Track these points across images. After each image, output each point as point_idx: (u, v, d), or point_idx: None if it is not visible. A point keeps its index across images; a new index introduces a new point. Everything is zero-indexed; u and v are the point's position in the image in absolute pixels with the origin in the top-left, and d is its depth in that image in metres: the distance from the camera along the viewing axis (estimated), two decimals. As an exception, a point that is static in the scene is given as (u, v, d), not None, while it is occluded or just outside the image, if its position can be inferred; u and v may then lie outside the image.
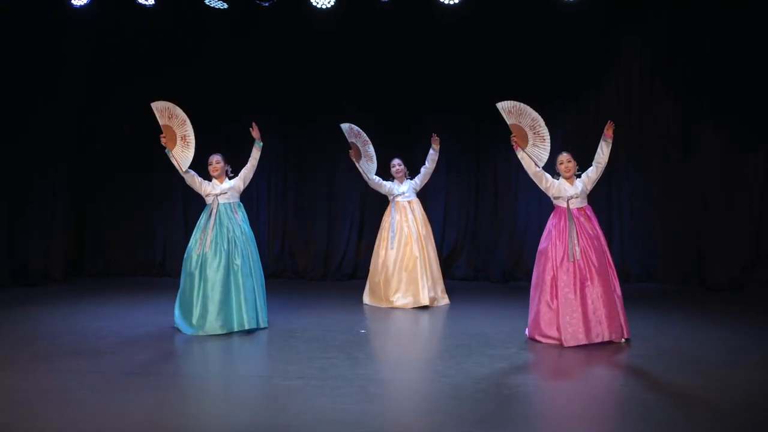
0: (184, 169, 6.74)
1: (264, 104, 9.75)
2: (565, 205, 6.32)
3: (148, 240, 10.01)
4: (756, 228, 9.04)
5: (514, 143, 6.37)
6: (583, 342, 6.02)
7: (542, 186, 6.43)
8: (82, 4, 8.62)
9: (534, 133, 6.40)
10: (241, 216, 6.84)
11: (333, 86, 9.69)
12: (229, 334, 6.45)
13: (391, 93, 9.63)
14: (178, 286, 6.87)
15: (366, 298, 8.16)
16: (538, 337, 6.22)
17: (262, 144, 7.00)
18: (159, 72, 9.72)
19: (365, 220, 9.90)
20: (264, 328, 6.67)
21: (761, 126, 8.97)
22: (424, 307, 7.80)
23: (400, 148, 9.51)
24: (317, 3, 8.64)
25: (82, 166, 9.83)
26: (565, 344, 5.99)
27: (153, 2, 8.68)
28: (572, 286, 6.09)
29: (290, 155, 9.94)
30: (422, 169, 8.22)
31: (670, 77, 9.26)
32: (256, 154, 6.98)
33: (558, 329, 6.08)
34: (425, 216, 8.27)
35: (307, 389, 4.90)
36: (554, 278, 6.16)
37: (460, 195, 9.81)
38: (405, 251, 7.96)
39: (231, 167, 6.99)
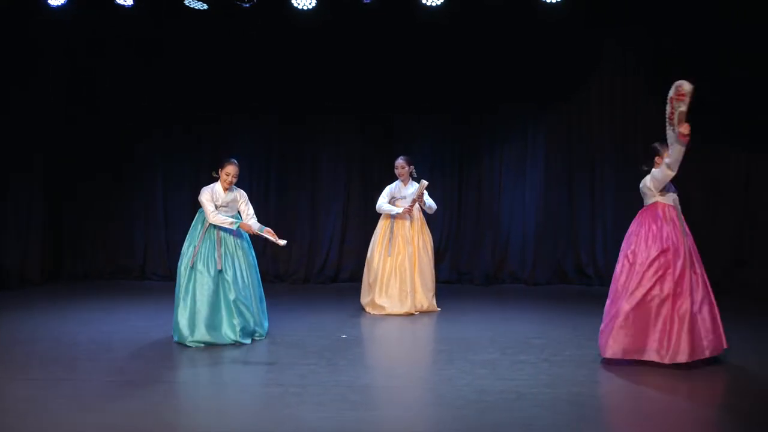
0: (230, 221, 6.35)
1: (244, 105, 9.68)
2: (671, 202, 5.73)
3: (127, 243, 9.87)
4: (737, 231, 9.08)
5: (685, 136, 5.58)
6: (685, 360, 5.32)
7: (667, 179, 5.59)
8: (60, 3, 8.48)
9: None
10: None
11: (315, 87, 9.62)
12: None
13: (373, 93, 9.60)
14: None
15: (367, 307, 7.77)
16: (637, 356, 5.43)
17: (245, 236, 6.53)
18: (138, 72, 9.63)
19: (348, 222, 9.84)
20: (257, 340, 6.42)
21: (742, 128, 8.99)
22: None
23: (382, 148, 9.52)
24: (298, 4, 8.57)
25: (59, 166, 9.67)
26: (692, 358, 5.30)
27: (132, 2, 8.56)
28: (691, 297, 5.36)
29: (272, 157, 9.86)
30: (431, 204, 7.80)
31: (653, 79, 9.26)
32: (251, 224, 6.46)
33: (666, 347, 5.32)
34: (424, 223, 7.90)
35: (287, 396, 4.84)
36: (675, 288, 5.36)
37: (443, 196, 9.75)
38: (396, 260, 7.67)
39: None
